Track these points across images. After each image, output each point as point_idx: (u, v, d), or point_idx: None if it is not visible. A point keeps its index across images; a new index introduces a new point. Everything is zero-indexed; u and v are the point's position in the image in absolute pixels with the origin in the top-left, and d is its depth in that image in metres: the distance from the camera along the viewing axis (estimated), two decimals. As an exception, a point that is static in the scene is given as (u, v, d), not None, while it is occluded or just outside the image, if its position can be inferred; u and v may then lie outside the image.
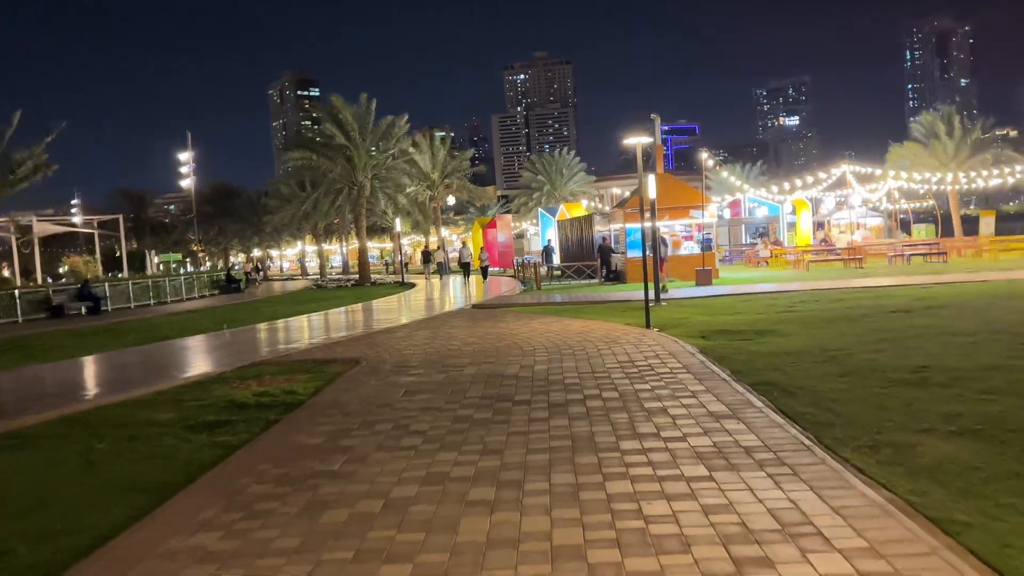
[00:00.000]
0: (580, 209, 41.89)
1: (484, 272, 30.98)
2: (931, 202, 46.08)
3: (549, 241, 32.28)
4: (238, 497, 5.10)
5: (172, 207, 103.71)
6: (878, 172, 36.71)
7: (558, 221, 37.22)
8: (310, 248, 76.87)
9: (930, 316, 12.43)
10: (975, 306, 13.42)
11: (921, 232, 44.90)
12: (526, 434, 6.22)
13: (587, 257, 29.92)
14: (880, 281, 20.22)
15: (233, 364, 11.51)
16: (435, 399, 7.86)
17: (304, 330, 17.05)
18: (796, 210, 40.74)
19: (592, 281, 27.34)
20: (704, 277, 22.88)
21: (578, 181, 63.72)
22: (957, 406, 6.41)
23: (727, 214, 40.38)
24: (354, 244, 75.23)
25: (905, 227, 46.17)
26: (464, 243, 36.73)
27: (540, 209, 46.27)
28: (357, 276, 46.75)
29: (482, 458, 5.60)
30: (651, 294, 14.55)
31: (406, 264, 47.16)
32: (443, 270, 44.39)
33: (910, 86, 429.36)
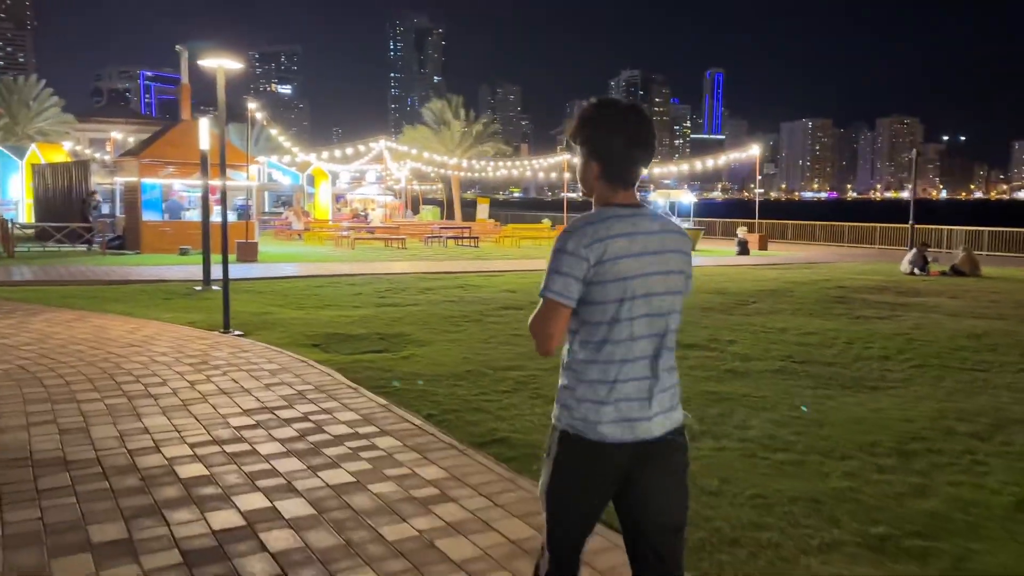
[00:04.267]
0: (62, 153, 33.21)
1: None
2: (438, 185, 48.84)
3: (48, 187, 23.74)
4: None
5: None
6: (413, 151, 36.95)
7: (32, 166, 28.71)
8: None
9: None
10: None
11: (428, 214, 47.23)
12: None
13: (78, 216, 23.30)
14: (438, 267, 19.23)
15: None
16: None
17: None
18: (315, 181, 38.88)
19: (92, 248, 21.21)
20: (248, 252, 19.22)
21: (51, 119, 51.40)
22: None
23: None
24: None
25: (414, 207, 48.10)
26: None
27: (0, 147, 35.56)
28: None
29: None
30: (210, 276, 10.75)
31: None
32: None
33: (392, 74, 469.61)
